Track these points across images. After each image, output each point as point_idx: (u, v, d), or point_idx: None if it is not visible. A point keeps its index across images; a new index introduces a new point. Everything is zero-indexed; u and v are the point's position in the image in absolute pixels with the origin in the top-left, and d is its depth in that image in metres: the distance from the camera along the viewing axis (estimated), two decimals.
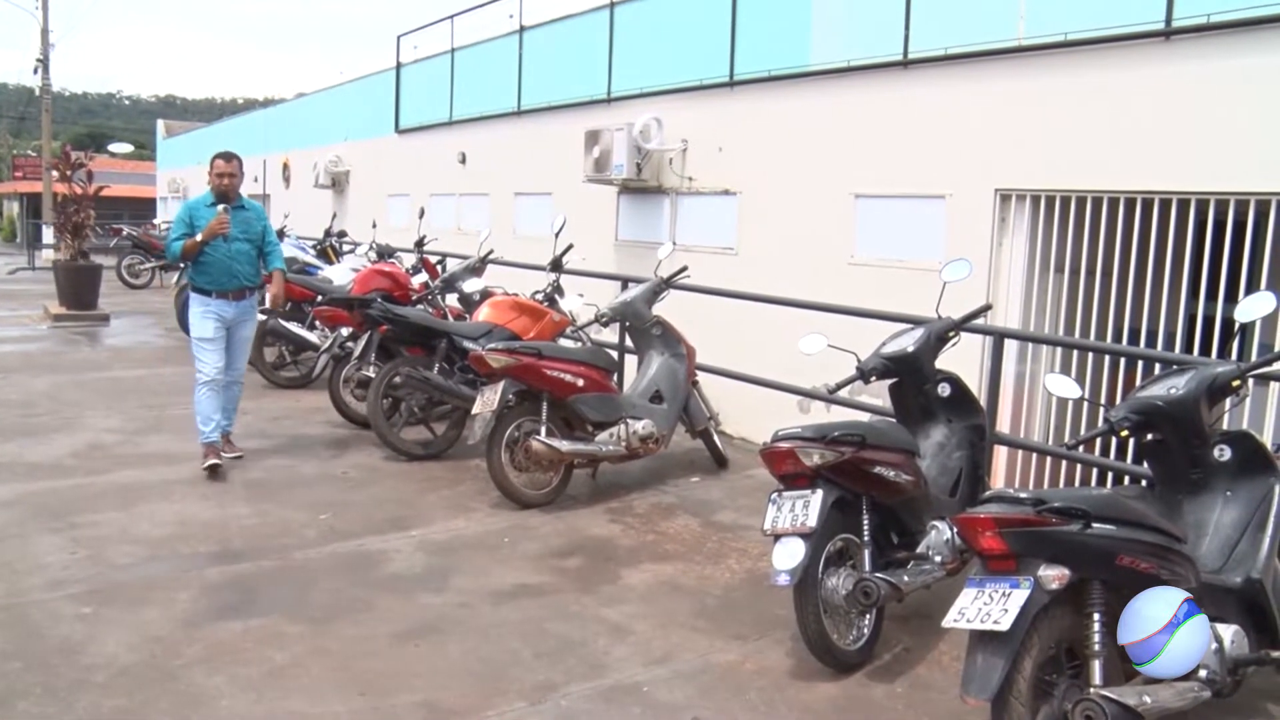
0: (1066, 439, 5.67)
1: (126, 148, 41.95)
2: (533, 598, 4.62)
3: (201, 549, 5.07)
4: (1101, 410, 3.79)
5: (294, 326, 9.14)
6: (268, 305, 7.06)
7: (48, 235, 22.14)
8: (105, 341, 12.16)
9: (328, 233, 13.52)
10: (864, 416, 5.39)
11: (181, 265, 7.24)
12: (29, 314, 14.39)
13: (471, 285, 8.32)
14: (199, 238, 6.34)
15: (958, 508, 4.29)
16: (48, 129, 29.33)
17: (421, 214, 10.96)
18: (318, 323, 8.90)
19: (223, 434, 6.65)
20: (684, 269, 6.89)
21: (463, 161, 12.81)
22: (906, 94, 6.87)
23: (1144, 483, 4.23)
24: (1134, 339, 5.91)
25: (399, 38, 14.74)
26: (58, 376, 9.44)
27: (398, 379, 6.82)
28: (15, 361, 10.30)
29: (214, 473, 6.28)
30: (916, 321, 4.89)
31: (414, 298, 8.36)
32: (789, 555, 3.78)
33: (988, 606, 2.96)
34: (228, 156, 6.57)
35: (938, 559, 4.18)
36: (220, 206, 6.37)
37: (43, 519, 5.38)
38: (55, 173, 15.28)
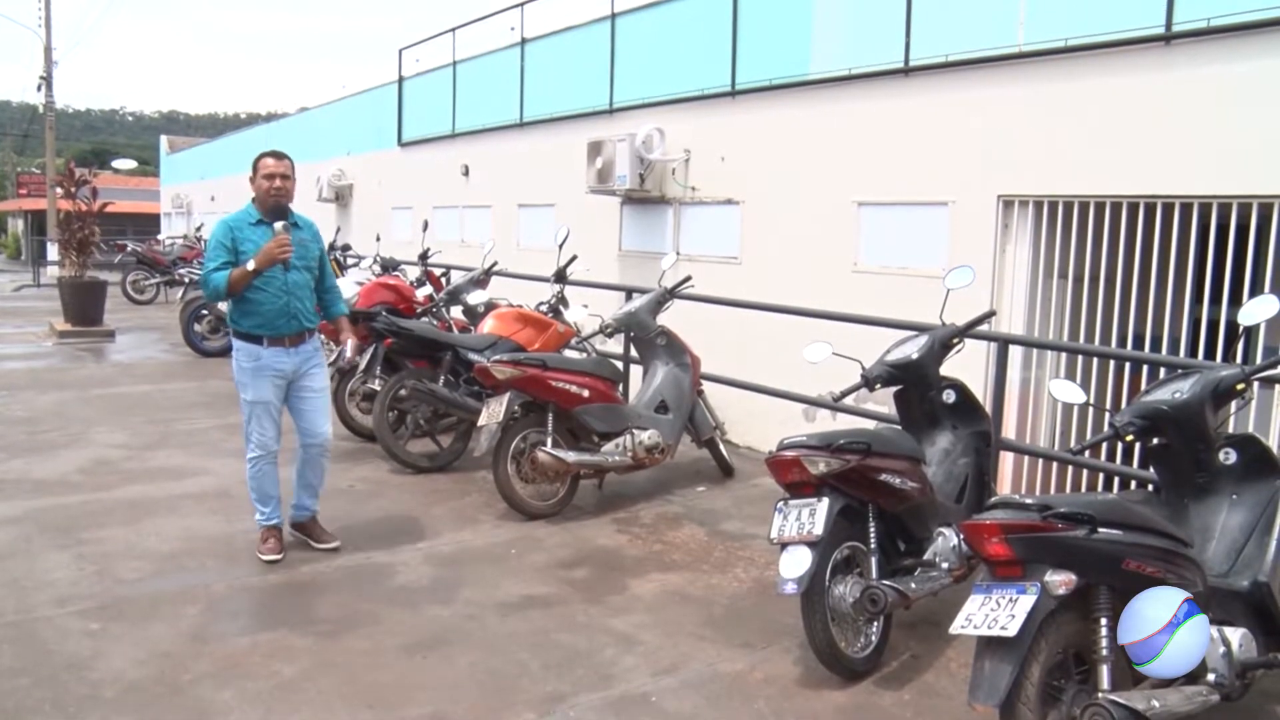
0: (1072, 444, 5.67)
1: (130, 164, 42.16)
2: (540, 609, 4.62)
3: (209, 563, 5.08)
4: (1107, 415, 3.79)
5: None
6: (348, 355, 5.46)
7: (52, 252, 22.24)
8: (111, 357, 12.19)
9: (331, 246, 13.49)
10: (869, 424, 5.41)
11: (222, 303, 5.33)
12: (34, 331, 14.44)
13: (476, 297, 8.34)
14: (251, 265, 4.79)
15: (964, 514, 4.29)
16: (51, 146, 29.54)
17: (425, 227, 10.99)
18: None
19: (309, 518, 5.34)
20: (688, 279, 6.91)
21: (466, 174, 12.85)
22: (908, 101, 6.89)
23: (1150, 487, 4.23)
24: (1138, 344, 5.91)
25: (401, 51, 14.81)
26: (63, 393, 9.47)
27: (403, 392, 6.84)
28: (21, 378, 10.33)
29: (273, 563, 5.07)
30: (921, 329, 4.89)
31: (418, 310, 8.37)
32: (796, 564, 3.78)
33: (995, 613, 2.97)
34: (278, 155, 5.10)
35: (945, 566, 4.18)
36: (279, 224, 4.91)
37: (50, 535, 5.40)
38: (59, 189, 15.36)
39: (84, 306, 13.80)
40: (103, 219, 14.50)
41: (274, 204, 4.99)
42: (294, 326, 5.00)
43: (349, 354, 5.44)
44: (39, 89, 29.01)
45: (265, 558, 5.08)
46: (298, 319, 5.00)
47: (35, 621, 4.31)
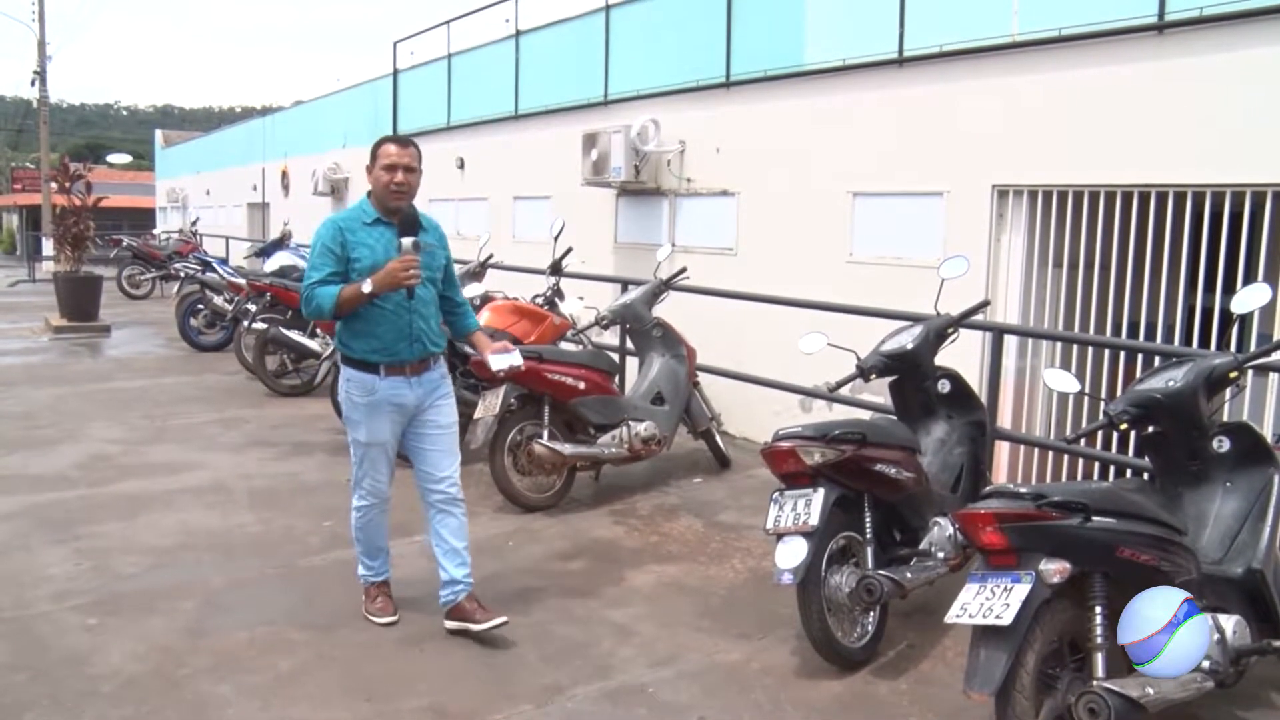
0: (1067, 433, 5.68)
1: (125, 158, 42.15)
2: (537, 600, 4.63)
3: (206, 558, 5.08)
4: (1101, 404, 3.80)
5: (295, 334, 9.16)
6: (513, 366, 4.38)
7: (47, 247, 22.19)
8: (106, 353, 12.18)
9: None
10: (865, 414, 5.41)
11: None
12: (30, 326, 14.41)
13: (471, 290, 8.31)
14: (368, 288, 3.85)
15: (959, 504, 4.30)
16: (45, 141, 29.42)
17: None
18: (318, 330, 8.91)
19: (466, 595, 4.23)
20: (683, 270, 6.91)
21: (461, 166, 12.82)
22: (902, 92, 6.88)
23: (1144, 475, 4.24)
24: (1133, 332, 5.91)
25: (395, 44, 14.77)
26: (60, 388, 9.45)
27: None
28: (17, 374, 10.31)
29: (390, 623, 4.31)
30: (915, 319, 4.90)
31: None
32: (792, 554, 3.79)
33: (990, 601, 2.98)
34: (403, 141, 4.07)
35: (940, 555, 4.19)
36: (406, 241, 3.90)
37: (47, 531, 5.40)
38: (54, 184, 15.33)
39: (79, 301, 13.78)
40: (97, 214, 14.49)
41: (395, 203, 3.99)
42: (417, 351, 4.07)
43: (513, 362, 4.39)
44: (33, 84, 28.84)
45: (378, 620, 4.30)
46: (421, 342, 4.08)
47: (32, 617, 4.31)
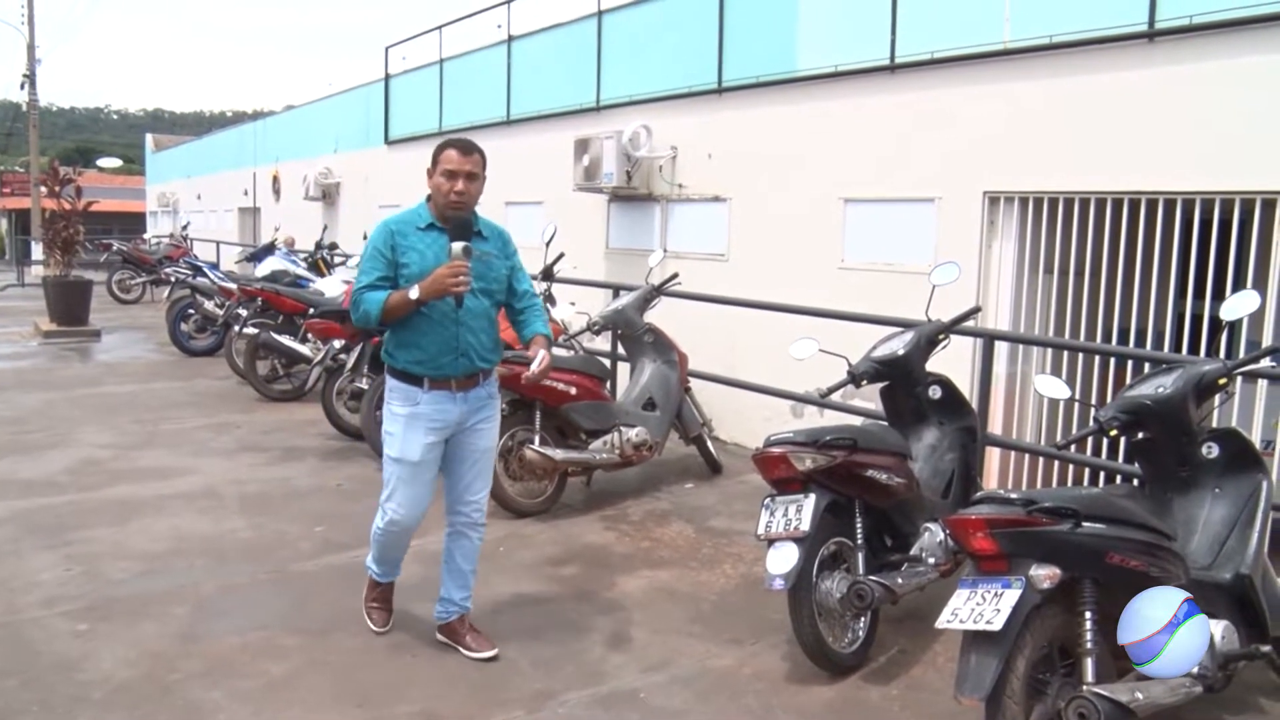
0: (1057, 439, 5.70)
1: (115, 162, 42.05)
2: (529, 606, 4.63)
3: (197, 563, 5.07)
4: (1091, 410, 3.81)
5: (286, 339, 9.14)
6: (533, 372, 3.84)
7: (37, 251, 22.12)
8: (97, 357, 12.14)
9: (318, 245, 13.54)
10: (856, 420, 5.42)
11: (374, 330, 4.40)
12: (19, 330, 14.36)
13: None
14: (415, 294, 3.67)
15: (950, 509, 4.32)
16: (35, 144, 29.35)
17: None
18: (310, 335, 8.89)
19: (457, 617, 4.17)
20: (675, 276, 6.92)
21: None
22: (894, 98, 6.91)
23: (1134, 481, 4.26)
24: (1123, 338, 5.95)
25: (387, 49, 14.78)
26: (50, 393, 9.42)
27: None
28: (7, 378, 10.28)
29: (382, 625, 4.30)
30: (907, 325, 4.91)
31: None
32: (783, 560, 3.80)
33: (980, 607, 2.99)
34: (465, 147, 3.81)
35: (931, 561, 4.20)
36: (458, 246, 3.68)
37: (37, 536, 5.38)
38: (44, 188, 15.28)
39: (69, 306, 13.73)
40: (87, 218, 14.45)
41: (453, 210, 3.78)
42: (463, 366, 3.84)
43: (534, 369, 3.85)
44: (22, 87, 28.83)
45: (373, 626, 4.29)
46: (469, 357, 3.84)
47: (23, 623, 4.30)
